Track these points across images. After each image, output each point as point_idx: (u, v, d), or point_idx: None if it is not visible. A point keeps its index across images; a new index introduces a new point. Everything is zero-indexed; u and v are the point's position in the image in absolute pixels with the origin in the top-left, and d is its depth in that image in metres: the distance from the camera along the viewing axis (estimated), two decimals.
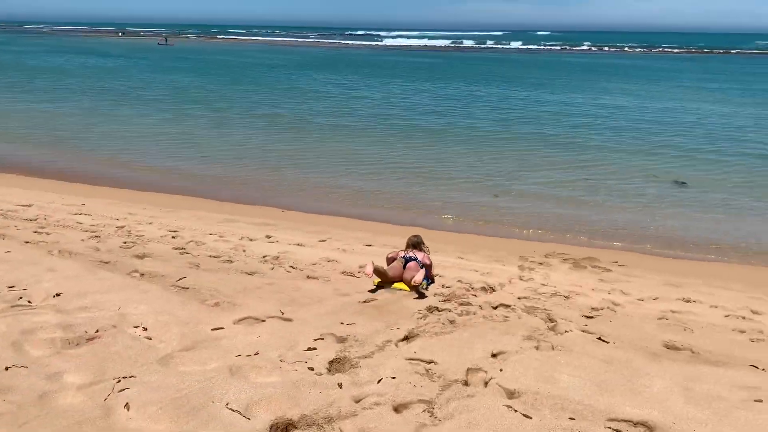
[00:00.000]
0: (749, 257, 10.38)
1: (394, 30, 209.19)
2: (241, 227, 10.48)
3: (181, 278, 6.89)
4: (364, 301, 6.46)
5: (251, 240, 9.42)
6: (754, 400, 4.59)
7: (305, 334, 5.43)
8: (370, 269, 6.80)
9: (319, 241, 9.70)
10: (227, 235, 9.70)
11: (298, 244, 9.30)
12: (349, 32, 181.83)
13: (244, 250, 8.66)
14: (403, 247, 7.80)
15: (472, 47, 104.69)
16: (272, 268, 7.75)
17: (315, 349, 5.14)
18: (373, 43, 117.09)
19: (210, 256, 8.18)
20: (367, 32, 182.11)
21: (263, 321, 5.75)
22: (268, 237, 9.71)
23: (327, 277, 7.42)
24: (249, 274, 7.39)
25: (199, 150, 18.43)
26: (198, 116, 24.47)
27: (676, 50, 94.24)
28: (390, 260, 7.46)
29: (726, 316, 6.84)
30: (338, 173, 15.73)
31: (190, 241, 8.98)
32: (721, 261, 10.23)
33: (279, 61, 60.83)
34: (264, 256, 8.33)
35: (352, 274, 7.63)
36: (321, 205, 12.92)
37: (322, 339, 5.35)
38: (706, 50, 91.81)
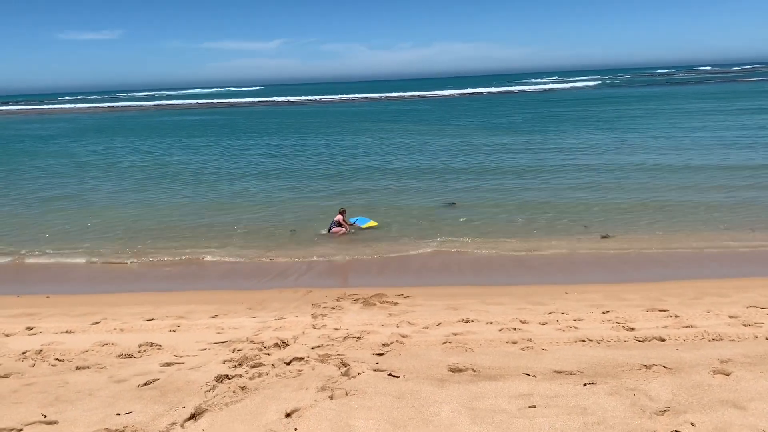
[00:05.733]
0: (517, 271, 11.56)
1: (171, 89, 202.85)
2: None
3: None
4: (144, 384, 5.88)
5: (7, 336, 8.16)
6: (529, 407, 4.99)
7: None
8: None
9: (92, 324, 8.72)
10: None
11: (66, 332, 8.26)
12: (122, 93, 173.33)
13: None
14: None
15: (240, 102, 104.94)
16: (33, 365, 6.74)
17: None
18: (154, 103, 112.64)
19: None
20: (145, 93, 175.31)
21: (20, 431, 4.93)
22: (29, 329, 8.50)
23: (101, 364, 6.64)
24: (2, 377, 6.34)
25: None
26: None
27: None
28: (336, 223, 14.78)
29: (500, 330, 7.43)
30: (114, 244, 14.49)
31: None
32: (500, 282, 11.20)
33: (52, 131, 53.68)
34: (23, 353, 7.22)
35: (131, 356, 6.93)
36: (93, 285, 11.73)
37: None
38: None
